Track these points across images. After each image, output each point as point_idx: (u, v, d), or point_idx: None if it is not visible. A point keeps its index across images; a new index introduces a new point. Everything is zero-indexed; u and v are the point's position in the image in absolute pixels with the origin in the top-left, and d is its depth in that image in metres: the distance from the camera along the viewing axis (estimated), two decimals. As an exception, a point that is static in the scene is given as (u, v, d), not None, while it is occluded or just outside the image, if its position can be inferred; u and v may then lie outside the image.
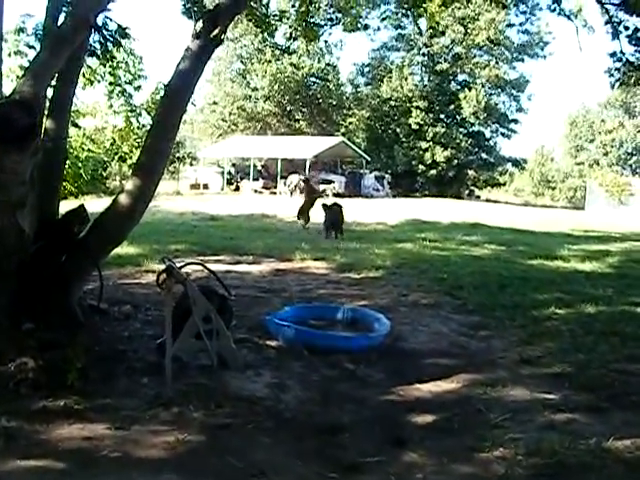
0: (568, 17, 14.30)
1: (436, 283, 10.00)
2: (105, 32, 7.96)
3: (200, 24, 6.59)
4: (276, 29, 13.77)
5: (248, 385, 5.39)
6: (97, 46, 8.26)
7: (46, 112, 6.43)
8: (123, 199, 6.61)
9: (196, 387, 5.18)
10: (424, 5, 14.48)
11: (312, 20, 14.90)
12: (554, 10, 14.50)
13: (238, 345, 6.13)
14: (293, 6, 16.13)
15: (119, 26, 8.18)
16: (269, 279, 10.32)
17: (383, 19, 49.92)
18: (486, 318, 7.95)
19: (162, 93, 28.25)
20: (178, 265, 5.85)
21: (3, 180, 4.85)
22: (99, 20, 7.77)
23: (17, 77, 25.56)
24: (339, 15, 19.32)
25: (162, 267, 5.63)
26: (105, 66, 13.58)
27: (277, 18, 12.63)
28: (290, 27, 14.23)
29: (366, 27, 33.36)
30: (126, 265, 10.75)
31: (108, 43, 8.17)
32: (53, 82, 6.37)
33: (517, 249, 14.85)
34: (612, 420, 4.85)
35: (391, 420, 4.85)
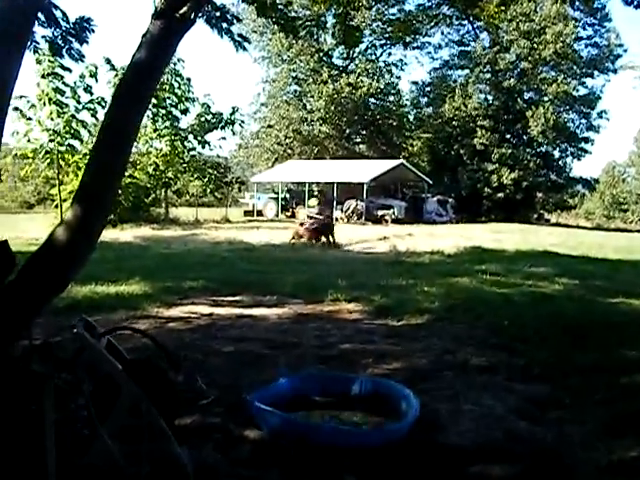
0: (650, 11, 12.14)
1: (493, 333, 7.93)
2: (63, 25, 6.34)
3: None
4: (310, 33, 12.08)
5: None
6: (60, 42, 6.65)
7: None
8: (61, 234, 4.83)
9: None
10: (480, 4, 12.72)
11: (352, 24, 13.19)
12: (630, 3, 12.37)
13: (202, 438, 4.35)
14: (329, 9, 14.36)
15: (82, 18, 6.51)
16: (286, 327, 8.38)
17: (436, 23, 47.90)
18: (557, 388, 5.86)
19: (191, 107, 26.45)
20: (102, 330, 4.12)
21: None
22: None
23: (49, 100, 24.51)
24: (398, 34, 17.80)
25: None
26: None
27: (306, 21, 10.91)
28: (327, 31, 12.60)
29: (416, 32, 31.57)
30: (119, 309, 9.01)
31: (70, 38, 6.51)
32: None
33: (594, 283, 12.53)
34: None
35: None
